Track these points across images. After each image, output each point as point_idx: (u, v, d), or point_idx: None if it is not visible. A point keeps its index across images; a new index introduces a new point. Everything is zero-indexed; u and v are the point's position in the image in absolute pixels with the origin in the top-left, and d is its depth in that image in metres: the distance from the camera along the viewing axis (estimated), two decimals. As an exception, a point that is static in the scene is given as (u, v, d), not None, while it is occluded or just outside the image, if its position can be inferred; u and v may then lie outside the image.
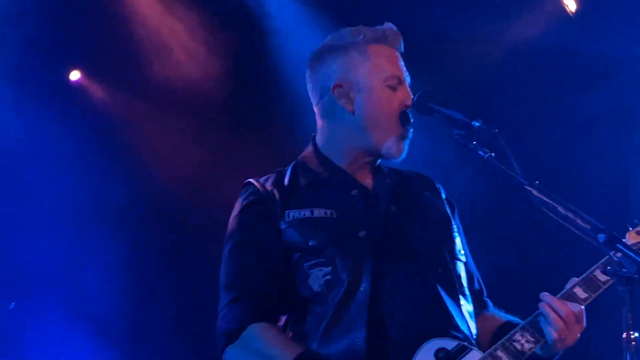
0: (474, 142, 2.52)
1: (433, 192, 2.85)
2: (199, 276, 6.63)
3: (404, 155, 2.72)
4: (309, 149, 2.79)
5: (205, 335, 6.51)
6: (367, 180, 2.74)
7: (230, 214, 2.71)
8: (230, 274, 2.59)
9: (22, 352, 6.79)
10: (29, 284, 6.74)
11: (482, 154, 2.51)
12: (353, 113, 2.68)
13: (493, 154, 2.50)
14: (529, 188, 2.46)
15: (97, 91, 7.44)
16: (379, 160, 2.78)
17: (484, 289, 2.85)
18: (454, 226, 2.80)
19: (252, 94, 7.17)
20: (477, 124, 2.51)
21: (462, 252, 2.77)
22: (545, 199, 2.42)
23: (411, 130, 2.71)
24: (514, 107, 6.67)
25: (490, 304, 2.83)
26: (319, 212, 2.60)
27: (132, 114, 7.27)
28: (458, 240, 2.78)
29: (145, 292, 7.16)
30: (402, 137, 2.69)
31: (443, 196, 2.87)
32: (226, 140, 7.14)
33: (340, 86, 2.71)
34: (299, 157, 2.80)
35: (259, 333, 2.48)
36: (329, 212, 2.60)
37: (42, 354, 6.84)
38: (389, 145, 2.67)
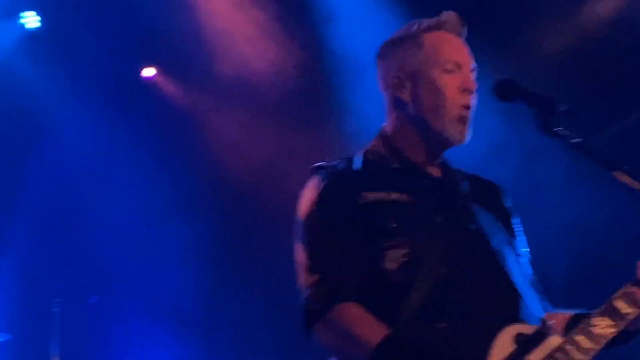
0: (560, 127, 2.49)
1: (499, 194, 2.86)
2: (272, 264, 6.69)
3: (467, 138, 2.69)
4: (378, 139, 2.80)
5: (282, 321, 6.61)
6: (437, 173, 2.74)
7: (298, 201, 2.72)
8: (312, 254, 2.58)
9: (104, 345, 6.94)
10: (109, 279, 6.88)
11: (569, 138, 2.47)
12: (412, 103, 2.69)
13: (580, 139, 2.46)
14: (617, 173, 2.42)
15: (169, 87, 7.56)
16: (444, 154, 2.78)
17: (542, 290, 2.83)
18: (518, 226, 2.81)
19: (319, 86, 7.19)
20: (563, 108, 2.48)
21: (527, 250, 2.78)
22: (635, 184, 2.37)
23: (470, 112, 2.67)
24: (596, 89, 6.53)
25: (548, 304, 2.81)
26: (394, 196, 2.60)
27: (203, 108, 7.37)
28: (522, 239, 2.79)
29: (222, 281, 7.24)
30: (461, 120, 2.66)
31: (507, 200, 2.87)
32: (293, 132, 7.18)
33: (397, 77, 2.72)
34: (369, 145, 2.81)
35: (346, 313, 2.47)
36: (404, 195, 2.61)
37: (123, 347, 6.98)
38: (448, 129, 2.65)
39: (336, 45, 6.89)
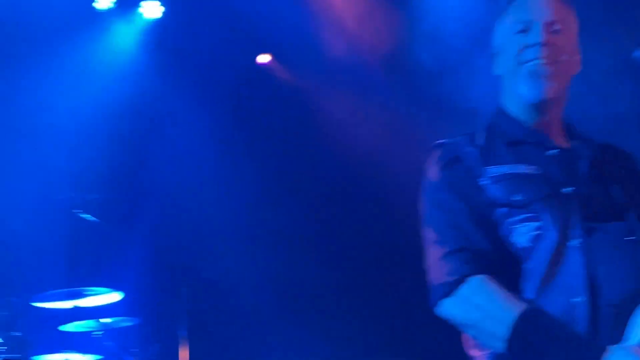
0: None
1: (633, 163, 2.76)
2: (387, 246, 6.70)
3: (544, 93, 2.59)
4: (499, 112, 2.74)
5: (399, 306, 6.59)
6: (564, 143, 2.66)
7: (412, 178, 2.70)
8: (441, 228, 2.55)
9: (229, 327, 7.07)
10: (231, 261, 7.01)
11: None
12: (501, 74, 2.69)
13: None
14: None
15: (283, 72, 7.62)
16: (569, 124, 2.71)
17: None
18: None
19: (432, 64, 7.09)
20: None
21: None
22: None
23: (536, 63, 2.57)
24: None
25: None
26: (520, 168, 2.55)
27: (316, 91, 7.40)
28: None
29: (332, 265, 7.26)
30: (529, 75, 2.58)
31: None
32: (407, 112, 7.13)
33: (495, 53, 2.73)
34: (490, 119, 2.76)
35: (479, 286, 2.42)
36: (530, 167, 2.56)
37: (245, 327, 7.10)
38: (521, 88, 2.60)
39: (450, 20, 6.77)
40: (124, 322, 6.11)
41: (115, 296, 6.07)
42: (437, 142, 2.70)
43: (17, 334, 5.87)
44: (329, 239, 7.36)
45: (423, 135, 6.45)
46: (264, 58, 7.66)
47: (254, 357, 7.10)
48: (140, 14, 7.22)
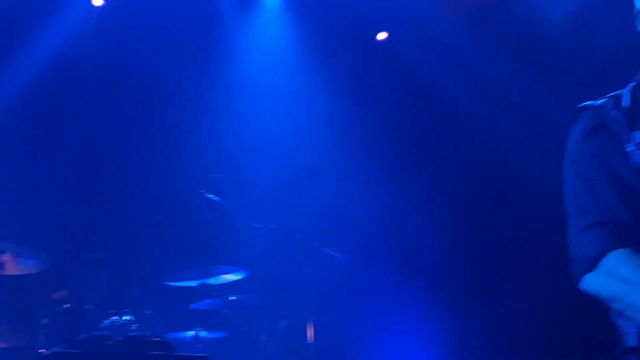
0: None
1: None
2: (525, 218, 6.59)
3: None
4: None
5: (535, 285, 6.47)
6: None
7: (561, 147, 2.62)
8: (582, 200, 2.48)
9: (352, 303, 7.10)
10: (356, 236, 7.03)
11: None
12: None
13: None
14: None
15: (400, 48, 7.60)
16: None
17: None
18: None
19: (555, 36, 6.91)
20: None
21: None
22: None
23: None
24: None
25: None
26: None
27: (430, 67, 7.34)
28: None
29: (470, 238, 7.17)
30: None
31: None
32: (522, 86, 6.99)
33: (636, 10, 2.61)
34: (636, 79, 2.65)
35: (622, 259, 2.36)
36: None
37: (371, 305, 7.12)
38: None
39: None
40: (251, 299, 6.20)
41: (241, 274, 6.17)
42: (582, 105, 2.61)
43: (149, 311, 6.05)
44: (450, 216, 7.27)
45: (548, 105, 6.33)
46: (382, 35, 7.65)
47: (379, 337, 7.11)
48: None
